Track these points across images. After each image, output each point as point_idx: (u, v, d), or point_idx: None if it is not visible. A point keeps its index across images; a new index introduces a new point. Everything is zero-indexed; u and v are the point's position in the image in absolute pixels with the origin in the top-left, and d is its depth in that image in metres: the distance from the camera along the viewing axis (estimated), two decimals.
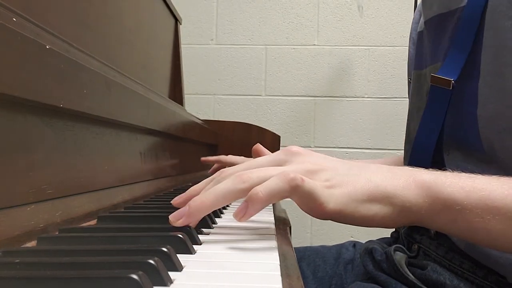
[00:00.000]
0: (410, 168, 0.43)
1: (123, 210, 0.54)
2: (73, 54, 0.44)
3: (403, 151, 0.69)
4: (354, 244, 0.78)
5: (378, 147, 1.85)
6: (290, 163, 0.43)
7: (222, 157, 1.17)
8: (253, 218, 0.40)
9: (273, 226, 0.49)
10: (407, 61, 0.75)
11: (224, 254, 0.36)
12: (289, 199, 0.40)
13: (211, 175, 0.46)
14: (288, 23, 1.90)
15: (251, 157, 0.52)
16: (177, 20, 1.35)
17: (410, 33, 0.72)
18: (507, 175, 0.41)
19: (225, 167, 1.26)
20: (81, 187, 0.47)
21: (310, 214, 0.40)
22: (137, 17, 0.92)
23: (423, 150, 0.55)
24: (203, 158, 1.20)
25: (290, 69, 1.89)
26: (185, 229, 0.38)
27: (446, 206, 0.39)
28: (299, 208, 0.40)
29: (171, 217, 0.39)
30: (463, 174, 0.41)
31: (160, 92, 0.98)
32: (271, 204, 0.69)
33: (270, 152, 0.47)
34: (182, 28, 1.45)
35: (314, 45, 1.89)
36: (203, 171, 1.23)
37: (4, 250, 0.31)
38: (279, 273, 0.30)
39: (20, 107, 0.37)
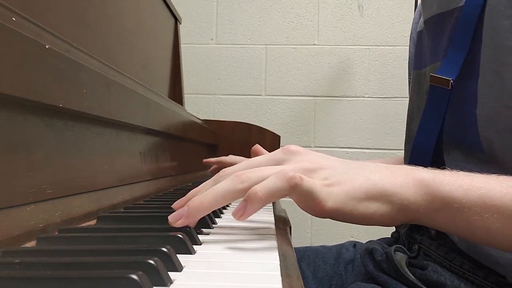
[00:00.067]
0: (409, 166, 0.43)
1: (123, 210, 0.54)
2: (73, 54, 0.44)
3: (403, 151, 0.69)
4: (354, 244, 0.78)
5: (378, 147, 1.85)
6: (289, 162, 0.43)
7: (223, 158, 1.18)
8: (253, 218, 0.40)
9: (273, 226, 0.49)
10: (407, 61, 0.75)
11: (224, 254, 0.36)
12: (289, 200, 0.40)
13: (211, 174, 0.46)
14: (288, 23, 1.90)
15: (251, 157, 0.52)
16: (177, 20, 1.35)
17: (411, 33, 0.72)
18: (506, 175, 0.41)
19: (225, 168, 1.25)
20: (81, 187, 0.47)
21: (309, 213, 0.40)
22: (137, 17, 0.92)
23: (422, 150, 0.55)
24: (205, 160, 1.20)
25: (290, 69, 1.89)
26: (185, 229, 0.38)
27: (444, 204, 0.39)
28: (298, 206, 0.40)
29: (171, 217, 0.39)
30: (462, 172, 0.41)
31: (160, 92, 0.98)
32: (271, 204, 0.69)
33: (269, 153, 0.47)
34: (182, 28, 1.45)
35: (314, 44, 1.89)
36: (203, 171, 1.23)
37: (4, 250, 0.31)
38: (279, 273, 0.30)
39: (20, 107, 0.37)
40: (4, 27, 0.32)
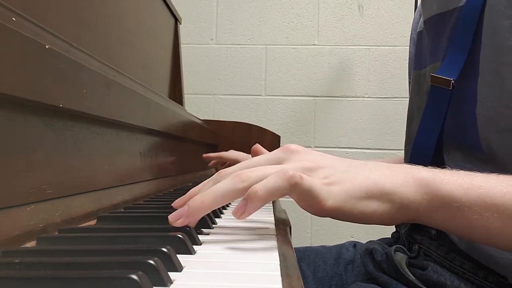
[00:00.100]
0: (409, 165, 0.43)
1: (123, 210, 0.54)
2: (73, 54, 0.44)
3: (403, 151, 0.69)
4: (355, 244, 0.78)
5: (378, 147, 1.85)
6: (289, 161, 0.43)
7: (223, 153, 1.18)
8: (253, 218, 0.40)
9: (273, 226, 0.49)
10: (407, 61, 0.75)
11: (224, 254, 0.36)
12: (289, 200, 0.40)
13: (211, 174, 0.46)
14: (288, 23, 1.90)
15: (251, 156, 0.52)
16: (177, 20, 1.35)
17: (411, 33, 0.72)
18: (506, 174, 0.41)
19: (225, 163, 1.26)
20: (81, 187, 0.47)
21: (309, 212, 0.40)
22: (137, 17, 0.92)
23: (423, 150, 0.55)
24: (205, 155, 1.20)
25: (290, 69, 1.89)
26: (185, 229, 0.38)
27: (444, 203, 0.39)
28: (298, 205, 0.40)
29: (171, 217, 0.39)
30: (462, 171, 0.41)
31: (160, 92, 0.98)
32: (271, 204, 0.69)
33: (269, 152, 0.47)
34: (182, 28, 1.45)
35: (314, 45, 1.89)
36: (203, 171, 1.23)
37: (4, 250, 0.31)
38: (279, 273, 0.30)
39: (20, 107, 0.37)
40: (4, 27, 0.32)
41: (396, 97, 1.85)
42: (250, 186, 0.38)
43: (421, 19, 0.64)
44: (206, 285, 0.28)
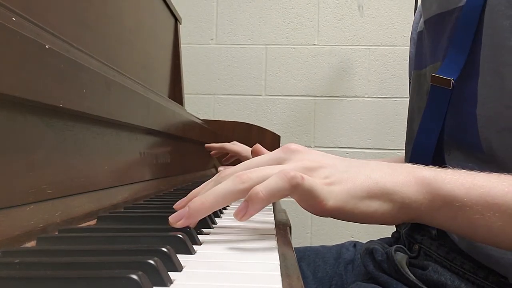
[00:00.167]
0: (410, 164, 0.43)
1: (123, 210, 0.54)
2: (73, 54, 0.44)
3: (403, 151, 0.69)
4: (355, 244, 0.77)
5: (378, 147, 1.85)
6: (289, 161, 0.43)
7: (226, 145, 1.17)
8: (253, 218, 0.40)
9: (273, 226, 0.49)
10: (407, 61, 0.75)
11: (224, 254, 0.36)
12: (289, 200, 0.40)
13: (211, 174, 0.46)
14: (288, 23, 1.90)
15: (252, 157, 0.52)
16: (177, 20, 1.35)
17: (411, 33, 0.72)
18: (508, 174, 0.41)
19: (227, 154, 1.25)
20: (81, 187, 0.47)
21: (310, 212, 0.40)
22: (137, 17, 0.92)
23: (423, 150, 0.55)
24: (207, 145, 1.19)
25: (290, 69, 1.89)
26: (185, 229, 0.38)
27: (446, 202, 0.39)
28: (299, 205, 0.40)
29: (171, 218, 0.39)
30: (463, 171, 0.41)
31: (160, 92, 0.98)
32: (271, 204, 0.69)
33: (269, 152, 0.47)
34: (182, 28, 1.45)
35: (314, 44, 1.89)
36: (203, 171, 1.23)
37: (4, 250, 0.31)
38: (279, 273, 0.30)
39: (20, 107, 0.37)
40: (4, 27, 0.32)
41: (396, 97, 1.85)
42: (251, 187, 0.38)
43: (421, 19, 0.64)
44: (206, 285, 0.27)
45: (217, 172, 1.34)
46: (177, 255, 0.31)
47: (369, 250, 0.63)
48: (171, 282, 0.27)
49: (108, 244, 0.35)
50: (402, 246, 0.61)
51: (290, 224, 0.56)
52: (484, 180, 0.39)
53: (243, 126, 1.53)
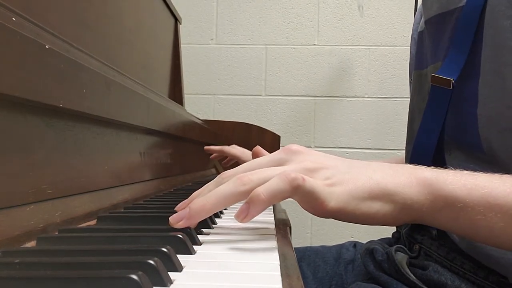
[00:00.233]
0: (412, 165, 0.43)
1: (123, 210, 0.54)
2: (73, 54, 0.44)
3: (403, 151, 0.69)
4: (355, 244, 0.77)
5: (378, 147, 1.85)
6: (290, 162, 0.42)
7: (226, 148, 1.17)
8: (253, 218, 0.40)
9: (273, 226, 0.49)
10: (407, 61, 0.75)
11: (224, 254, 0.36)
12: (289, 200, 0.40)
13: (211, 174, 0.46)
14: (288, 23, 1.90)
15: (252, 158, 0.52)
16: (177, 20, 1.35)
17: (412, 33, 0.72)
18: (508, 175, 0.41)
19: (226, 157, 1.25)
20: (81, 187, 0.47)
21: (311, 213, 0.40)
22: (137, 17, 0.92)
23: (424, 150, 0.55)
24: (206, 147, 1.19)
25: (290, 69, 1.89)
26: (185, 229, 0.38)
27: (447, 203, 0.39)
28: (301, 206, 0.40)
29: (171, 219, 0.39)
30: (465, 171, 0.41)
31: (160, 92, 0.98)
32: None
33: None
34: (182, 28, 1.45)
35: (314, 45, 1.89)
36: (203, 171, 1.23)
37: (4, 250, 0.31)
38: (279, 273, 0.30)
39: (20, 107, 0.37)
40: (4, 27, 0.32)
41: (396, 97, 1.85)
42: (252, 189, 0.38)
43: (422, 19, 0.64)
44: (206, 285, 0.27)
45: (217, 173, 1.34)
46: (177, 255, 0.31)
47: (369, 250, 0.63)
48: (171, 282, 0.27)
49: (108, 244, 0.34)
50: (402, 246, 0.61)
51: (290, 224, 0.56)
52: (486, 181, 0.39)
53: (243, 126, 1.53)
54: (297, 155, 0.43)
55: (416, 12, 0.74)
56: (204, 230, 0.44)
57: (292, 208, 1.21)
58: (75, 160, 0.47)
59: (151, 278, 0.25)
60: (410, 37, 0.73)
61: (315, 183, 0.39)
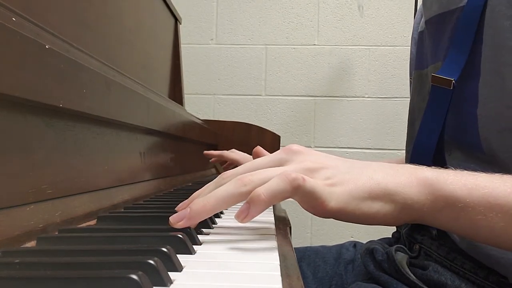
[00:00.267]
0: (412, 165, 0.43)
1: (122, 210, 0.54)
2: (73, 54, 0.44)
3: (403, 151, 0.69)
4: (355, 244, 0.77)
5: (378, 147, 1.85)
6: (291, 162, 0.42)
7: (225, 153, 1.17)
8: (253, 218, 0.40)
9: (273, 226, 0.49)
10: (407, 61, 0.75)
11: (224, 254, 0.36)
12: (289, 200, 0.40)
13: (211, 174, 0.46)
14: (288, 23, 1.90)
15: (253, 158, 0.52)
16: (177, 20, 1.35)
17: (412, 33, 0.72)
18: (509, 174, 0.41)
19: (226, 162, 1.25)
20: (81, 187, 0.47)
21: (312, 213, 0.40)
22: (137, 17, 0.92)
23: (424, 150, 0.55)
24: (206, 152, 1.20)
25: (290, 69, 1.89)
26: (185, 229, 0.38)
27: (448, 203, 0.39)
28: (301, 207, 0.40)
29: (172, 218, 0.39)
30: (465, 171, 0.41)
31: (160, 92, 0.98)
32: None
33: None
34: (182, 28, 1.45)
35: (314, 45, 1.89)
36: (203, 171, 1.23)
37: (4, 250, 0.31)
38: (279, 273, 0.30)
39: (20, 107, 0.37)
40: (4, 27, 0.32)
41: (396, 97, 1.85)
42: (252, 190, 0.38)
43: (422, 19, 0.64)
44: (206, 285, 0.27)
45: (217, 173, 1.34)
46: (177, 255, 0.31)
47: (369, 250, 0.63)
48: (171, 282, 0.27)
49: (108, 244, 0.34)
50: (402, 246, 0.61)
51: (290, 224, 0.56)
52: (487, 181, 0.39)
53: (243, 126, 1.52)
54: (297, 155, 0.43)
55: (417, 12, 0.74)
56: (204, 230, 0.44)
57: (292, 208, 1.21)
58: (75, 160, 0.47)
59: (151, 278, 0.25)
60: (410, 37, 0.73)
61: (316, 183, 0.39)
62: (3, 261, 0.28)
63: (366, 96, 1.87)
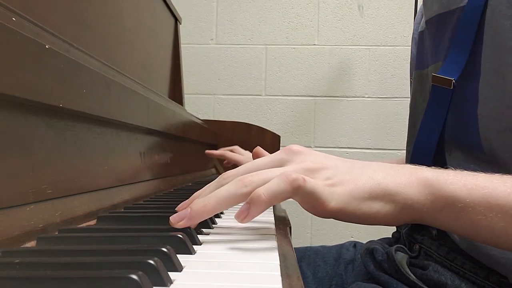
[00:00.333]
0: (412, 165, 0.43)
1: (122, 210, 0.54)
2: (73, 54, 0.44)
3: (403, 151, 0.69)
4: (355, 244, 0.77)
5: (378, 147, 1.85)
6: (291, 162, 0.42)
7: (227, 154, 1.17)
8: (253, 218, 0.40)
9: (273, 226, 0.49)
10: (407, 61, 0.75)
11: (224, 254, 0.36)
12: (289, 200, 0.40)
13: (211, 174, 0.46)
14: (288, 23, 1.90)
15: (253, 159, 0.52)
16: (177, 20, 1.35)
17: (412, 33, 0.72)
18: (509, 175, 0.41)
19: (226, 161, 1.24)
20: (81, 187, 0.47)
21: (312, 213, 0.40)
22: (137, 17, 0.92)
23: (424, 150, 0.55)
24: (207, 152, 1.20)
25: (290, 69, 1.89)
26: (185, 229, 0.38)
27: (448, 203, 0.39)
28: (301, 207, 0.40)
29: (172, 218, 0.39)
30: (465, 172, 0.41)
31: (160, 92, 0.98)
32: None
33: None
34: (182, 28, 1.45)
35: (314, 44, 1.89)
36: (203, 171, 1.23)
37: (4, 250, 0.31)
38: (279, 273, 0.30)
39: (20, 107, 0.37)
40: (4, 27, 0.32)
41: (396, 97, 1.85)
42: (253, 190, 0.38)
43: (423, 19, 0.64)
44: (206, 285, 0.27)
45: (217, 173, 1.34)
46: (177, 255, 0.31)
47: (369, 250, 0.63)
48: (171, 282, 0.27)
49: (108, 244, 0.34)
50: (402, 246, 0.61)
51: (290, 224, 0.56)
52: (486, 181, 0.39)
53: (243, 126, 1.52)
54: (297, 155, 0.43)
55: (417, 12, 0.74)
56: (204, 230, 0.44)
57: (292, 208, 1.21)
58: (75, 160, 0.47)
59: (151, 278, 0.25)
60: (410, 37, 0.73)
61: (316, 183, 0.39)
62: (3, 261, 0.28)
63: (366, 96, 1.86)
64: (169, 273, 0.27)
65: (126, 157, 0.63)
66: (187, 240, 0.35)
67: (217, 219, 0.51)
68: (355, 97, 1.87)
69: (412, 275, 0.55)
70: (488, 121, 0.49)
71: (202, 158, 1.24)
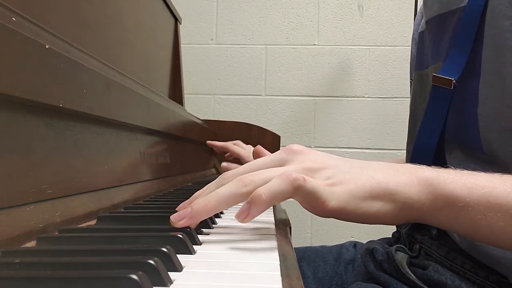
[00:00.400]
0: (412, 165, 0.43)
1: (123, 210, 0.54)
2: (73, 54, 0.44)
3: (403, 151, 0.69)
4: (355, 244, 0.77)
5: (378, 147, 1.85)
6: (291, 162, 0.43)
7: (230, 147, 1.16)
8: (253, 218, 0.40)
9: (273, 226, 0.49)
10: (407, 61, 0.75)
11: (224, 254, 0.36)
12: (289, 199, 0.40)
13: (211, 174, 0.46)
14: (288, 23, 1.90)
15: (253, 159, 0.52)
16: (177, 20, 1.35)
17: (413, 33, 0.72)
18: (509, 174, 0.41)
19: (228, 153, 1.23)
20: (81, 187, 0.47)
21: (312, 213, 0.40)
22: (137, 17, 0.92)
23: (424, 150, 0.55)
24: (209, 142, 1.19)
25: (290, 69, 1.89)
26: (185, 229, 0.38)
27: (448, 203, 0.39)
28: (302, 206, 0.40)
29: (173, 217, 0.39)
30: (466, 171, 0.41)
31: (160, 92, 0.98)
32: None
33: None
34: (182, 28, 1.45)
35: (314, 45, 1.89)
36: (203, 171, 1.23)
37: (4, 250, 0.31)
38: (279, 273, 0.30)
39: (20, 107, 0.37)
40: (4, 27, 0.32)
41: (396, 97, 1.85)
42: (253, 190, 0.38)
43: (423, 20, 0.64)
44: (206, 285, 0.27)
45: (217, 173, 1.34)
46: (177, 255, 0.31)
47: (369, 250, 0.63)
48: (171, 282, 0.27)
49: (108, 244, 0.34)
50: (402, 246, 0.61)
51: (290, 224, 0.56)
52: (486, 181, 0.39)
53: (243, 126, 1.52)
54: (298, 155, 0.43)
55: (417, 13, 0.74)
56: (204, 230, 0.44)
57: (292, 208, 1.21)
58: (75, 160, 0.47)
59: (151, 278, 0.25)
60: (410, 37, 0.73)
61: (316, 183, 0.39)
62: (3, 261, 0.28)
63: (366, 96, 1.87)
64: (169, 273, 0.27)
65: (126, 157, 0.63)
66: (187, 240, 0.35)
67: (217, 219, 0.51)
68: (355, 97, 1.87)
69: (412, 275, 0.55)
70: (488, 121, 0.49)
71: (202, 158, 1.24)
